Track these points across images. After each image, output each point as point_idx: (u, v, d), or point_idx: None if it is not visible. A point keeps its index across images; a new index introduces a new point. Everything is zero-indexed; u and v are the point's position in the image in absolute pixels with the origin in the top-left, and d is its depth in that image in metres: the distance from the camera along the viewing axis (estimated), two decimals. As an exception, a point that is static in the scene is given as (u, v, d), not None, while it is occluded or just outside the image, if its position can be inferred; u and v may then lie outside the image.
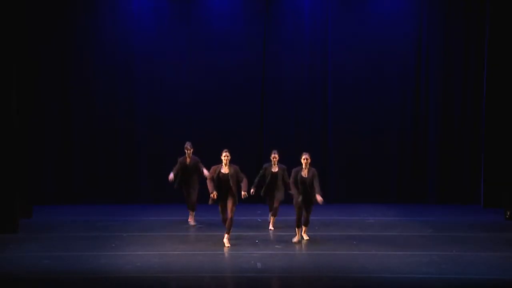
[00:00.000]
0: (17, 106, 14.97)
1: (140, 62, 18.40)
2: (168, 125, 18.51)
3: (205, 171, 14.74)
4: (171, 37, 18.42)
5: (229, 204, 13.28)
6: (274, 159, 14.80)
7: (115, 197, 18.33)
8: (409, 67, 18.52)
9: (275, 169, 14.80)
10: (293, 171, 13.71)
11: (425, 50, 18.43)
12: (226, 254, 12.78)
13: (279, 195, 14.79)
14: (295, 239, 13.76)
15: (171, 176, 15.31)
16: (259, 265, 12.11)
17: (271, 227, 14.97)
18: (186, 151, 15.33)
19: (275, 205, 14.85)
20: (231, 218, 13.30)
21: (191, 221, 15.53)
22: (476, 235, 14.60)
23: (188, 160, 15.34)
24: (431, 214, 17.00)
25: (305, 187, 13.51)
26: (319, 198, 13.36)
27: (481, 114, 18.04)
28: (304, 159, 13.54)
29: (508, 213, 16.21)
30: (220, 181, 13.31)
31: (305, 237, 13.89)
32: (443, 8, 18.34)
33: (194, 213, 15.54)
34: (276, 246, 13.57)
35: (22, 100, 15.55)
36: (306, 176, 13.50)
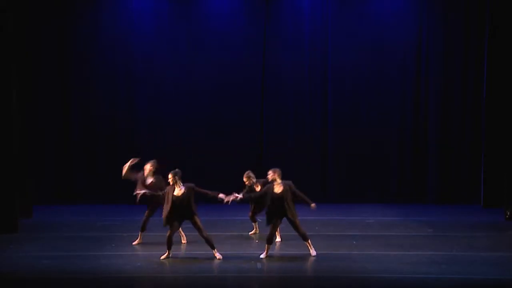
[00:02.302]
0: (17, 106, 14.97)
1: (140, 62, 18.40)
2: (168, 125, 18.51)
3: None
4: (171, 37, 18.42)
5: (196, 223, 12.29)
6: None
7: (115, 197, 18.31)
8: (409, 67, 18.50)
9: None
10: (266, 187, 12.64)
11: (425, 50, 18.41)
12: (226, 255, 12.74)
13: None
14: (262, 255, 12.57)
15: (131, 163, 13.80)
16: (259, 265, 12.10)
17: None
18: (150, 168, 13.70)
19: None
20: (207, 235, 12.39)
21: (136, 242, 13.69)
22: (476, 235, 14.58)
23: (150, 181, 13.71)
24: (431, 214, 16.98)
25: (279, 204, 12.41)
26: (313, 205, 12.56)
27: (481, 114, 18.04)
28: (268, 175, 12.54)
29: (508, 213, 16.21)
30: (175, 204, 12.24)
31: (312, 252, 12.68)
32: (443, 8, 18.33)
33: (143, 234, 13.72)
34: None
35: (22, 100, 15.55)
36: (279, 192, 12.44)
